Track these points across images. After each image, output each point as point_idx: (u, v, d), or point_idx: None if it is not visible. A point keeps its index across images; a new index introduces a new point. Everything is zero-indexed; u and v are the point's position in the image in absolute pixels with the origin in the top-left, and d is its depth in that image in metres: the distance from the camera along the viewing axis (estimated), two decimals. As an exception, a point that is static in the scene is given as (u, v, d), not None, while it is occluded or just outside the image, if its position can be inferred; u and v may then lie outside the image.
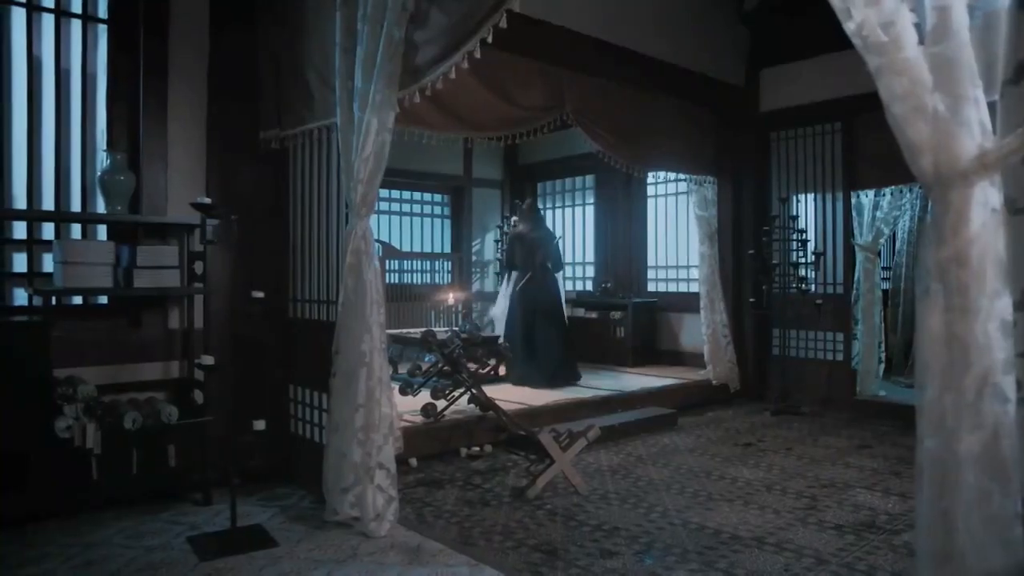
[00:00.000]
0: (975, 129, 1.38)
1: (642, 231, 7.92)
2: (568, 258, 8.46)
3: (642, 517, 3.35)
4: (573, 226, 8.67)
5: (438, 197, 8.58)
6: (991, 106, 1.41)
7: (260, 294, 2.93)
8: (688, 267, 7.50)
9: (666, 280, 7.78)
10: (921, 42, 1.44)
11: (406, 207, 8.31)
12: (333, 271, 3.47)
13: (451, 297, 6.87)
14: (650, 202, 7.92)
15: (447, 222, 8.66)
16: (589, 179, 8.44)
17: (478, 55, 2.68)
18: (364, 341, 3.03)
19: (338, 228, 3.42)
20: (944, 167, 1.39)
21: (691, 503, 3.56)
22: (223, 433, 3.12)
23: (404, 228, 8.28)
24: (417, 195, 8.36)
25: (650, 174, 7.44)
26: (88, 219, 3.51)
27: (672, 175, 7.37)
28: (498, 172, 8.82)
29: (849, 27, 1.48)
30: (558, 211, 8.83)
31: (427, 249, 8.46)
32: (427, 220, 8.52)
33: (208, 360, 2.86)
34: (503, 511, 3.43)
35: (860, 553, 2.91)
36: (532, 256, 6.32)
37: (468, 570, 2.71)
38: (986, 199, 1.38)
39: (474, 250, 8.64)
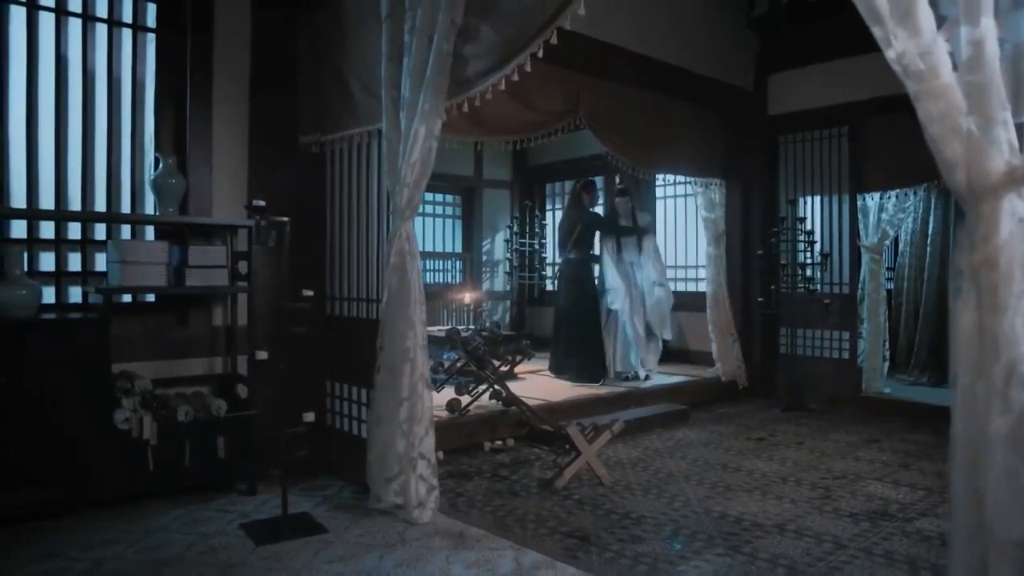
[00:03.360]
0: (1004, 148, 1.55)
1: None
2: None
3: (666, 506, 3.51)
4: (581, 226, 8.82)
5: (449, 198, 8.74)
6: (1019, 127, 1.58)
7: (310, 292, 3.08)
8: (696, 267, 7.68)
9: (674, 280, 7.93)
10: (954, 68, 1.62)
11: (418, 207, 8.45)
12: (373, 270, 3.62)
13: (467, 296, 7.03)
14: (658, 203, 8.09)
15: (458, 222, 8.81)
16: (598, 180, 8.57)
17: (528, 68, 2.84)
18: (408, 338, 3.19)
19: (379, 229, 3.57)
20: (976, 181, 1.56)
21: (711, 493, 3.73)
22: (272, 425, 3.27)
23: (417, 228, 8.40)
24: (429, 196, 8.51)
25: (658, 176, 7.61)
26: (141, 220, 3.67)
27: (680, 177, 7.52)
28: (507, 173, 8.98)
29: (889, 55, 1.65)
30: (567, 212, 8.99)
31: (438, 249, 8.61)
32: (438, 220, 8.67)
33: (262, 355, 3.01)
34: (533, 501, 3.59)
35: (876, 539, 3.08)
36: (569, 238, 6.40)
37: (512, 553, 2.87)
38: (1014, 210, 1.56)
39: (484, 250, 8.81)
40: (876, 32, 1.67)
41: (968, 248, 1.58)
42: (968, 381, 1.58)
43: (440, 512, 3.31)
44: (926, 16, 1.58)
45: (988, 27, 1.53)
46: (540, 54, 2.79)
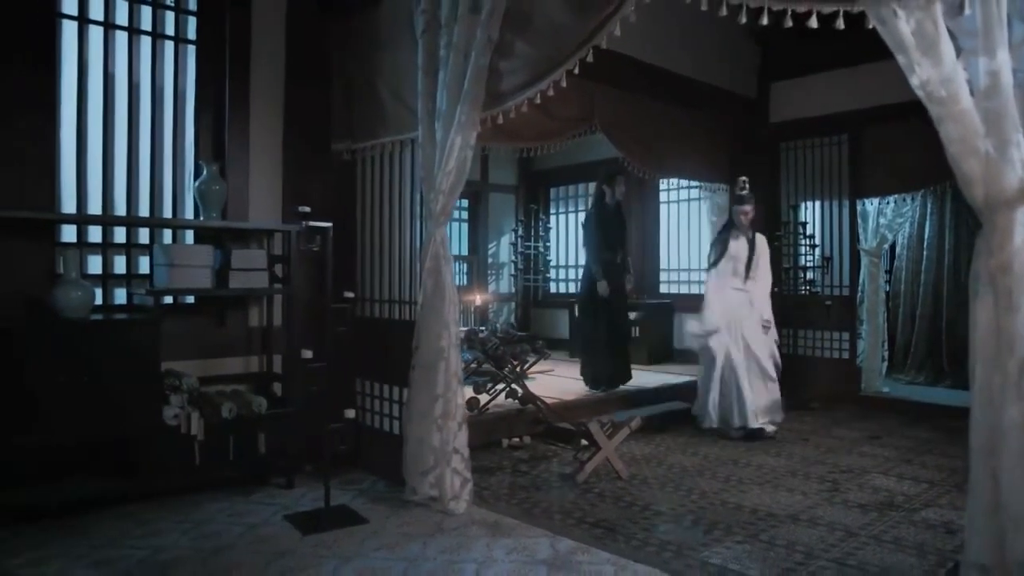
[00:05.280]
0: (1018, 166, 1.75)
1: (655, 235, 8.28)
2: (582, 261, 8.78)
3: (683, 498, 3.68)
4: (586, 230, 9.00)
5: (456, 202, 8.88)
6: (1030, 148, 1.78)
7: (351, 294, 3.24)
8: (699, 270, 7.87)
9: (678, 282, 8.16)
10: (972, 94, 1.80)
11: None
12: (406, 273, 3.78)
13: (478, 298, 7.20)
14: (662, 207, 8.29)
15: (464, 225, 8.98)
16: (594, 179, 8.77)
17: (564, 84, 3.00)
18: (443, 337, 3.35)
19: (411, 234, 3.73)
20: (992, 196, 1.75)
21: (724, 486, 3.90)
22: (308, 422, 3.43)
23: (424, 231, 8.57)
24: (436, 199, 8.65)
25: (662, 180, 7.82)
26: (184, 225, 3.82)
27: (684, 182, 7.74)
28: (513, 177, 9.16)
29: (913, 81, 1.84)
30: (571, 215, 9.18)
31: (445, 251, 8.76)
32: (445, 223, 8.82)
33: (307, 353, 3.17)
34: (555, 494, 3.75)
35: (884, 527, 3.26)
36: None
37: (548, 540, 3.04)
38: (1026, 221, 1.76)
39: (490, 252, 8.99)
40: (900, 59, 1.86)
41: (985, 255, 1.78)
42: (985, 374, 1.77)
43: (472, 504, 3.47)
44: (948, 48, 1.77)
45: (1004, 59, 1.72)
46: (576, 70, 2.95)
